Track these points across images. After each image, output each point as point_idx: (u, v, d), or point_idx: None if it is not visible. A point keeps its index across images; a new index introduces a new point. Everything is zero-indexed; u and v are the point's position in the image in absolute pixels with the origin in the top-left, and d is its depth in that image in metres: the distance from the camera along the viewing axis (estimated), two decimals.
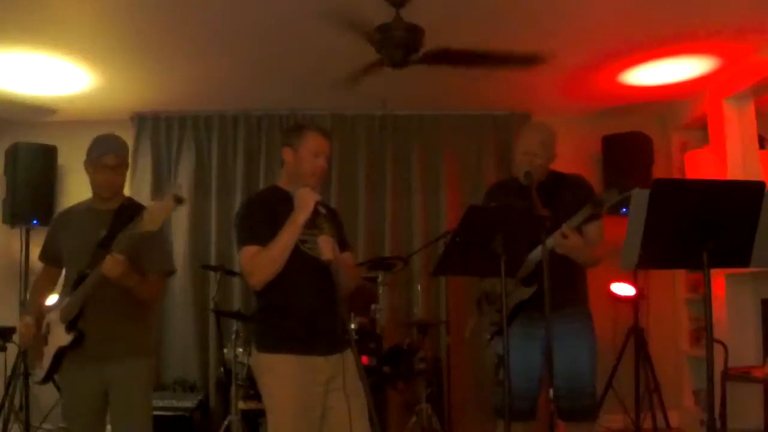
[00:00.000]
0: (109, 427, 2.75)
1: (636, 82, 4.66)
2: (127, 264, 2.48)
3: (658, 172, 5.06)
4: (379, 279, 4.35)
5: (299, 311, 2.47)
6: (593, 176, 4.89)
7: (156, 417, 2.86)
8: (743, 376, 4.00)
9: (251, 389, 3.94)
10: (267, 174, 5.10)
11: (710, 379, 2.24)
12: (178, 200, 2.38)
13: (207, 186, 5.14)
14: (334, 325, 2.48)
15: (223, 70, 4.39)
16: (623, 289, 4.85)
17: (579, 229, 2.82)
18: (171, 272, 2.90)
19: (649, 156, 4.99)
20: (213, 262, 4.89)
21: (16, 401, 4.47)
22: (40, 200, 4.76)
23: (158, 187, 5.08)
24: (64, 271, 2.80)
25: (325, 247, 2.40)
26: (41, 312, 2.74)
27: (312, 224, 2.45)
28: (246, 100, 5.02)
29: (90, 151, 2.74)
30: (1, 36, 3.69)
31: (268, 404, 2.49)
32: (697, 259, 2.16)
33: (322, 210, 2.49)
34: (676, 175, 5.27)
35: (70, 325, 2.60)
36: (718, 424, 3.89)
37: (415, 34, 3.32)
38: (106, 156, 2.69)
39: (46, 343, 2.69)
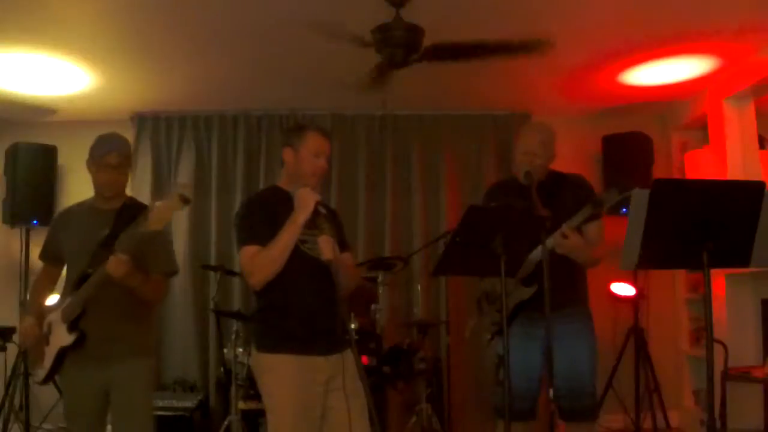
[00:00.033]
0: (109, 427, 2.73)
1: (636, 82, 4.66)
2: (131, 264, 2.46)
3: (658, 172, 5.06)
4: (379, 279, 4.35)
5: (299, 311, 2.47)
6: (593, 176, 4.89)
7: (156, 417, 2.87)
8: (743, 376, 4.00)
9: (251, 389, 3.93)
10: (267, 174, 5.10)
11: (710, 379, 2.24)
12: (185, 200, 2.38)
13: (207, 186, 5.14)
14: (334, 325, 2.48)
15: (223, 70, 4.39)
16: (623, 289, 4.85)
17: (579, 229, 2.82)
18: (174, 272, 2.87)
19: (649, 156, 5.00)
20: (213, 262, 4.89)
21: (16, 401, 4.47)
22: (40, 200, 4.76)
23: (158, 187, 5.09)
24: (65, 271, 2.78)
25: (326, 247, 2.40)
26: (42, 312, 2.72)
27: (312, 224, 2.45)
28: (246, 100, 5.02)
29: (93, 150, 2.71)
30: (1, 36, 3.69)
31: (268, 404, 2.49)
32: (697, 259, 2.16)
33: (323, 210, 2.49)
34: (676, 175, 5.27)
35: (72, 325, 2.58)
36: (718, 424, 3.89)
37: (415, 34, 3.32)
38: (110, 155, 2.67)
39: (47, 343, 2.67)
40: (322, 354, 2.46)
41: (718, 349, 3.93)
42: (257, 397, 3.38)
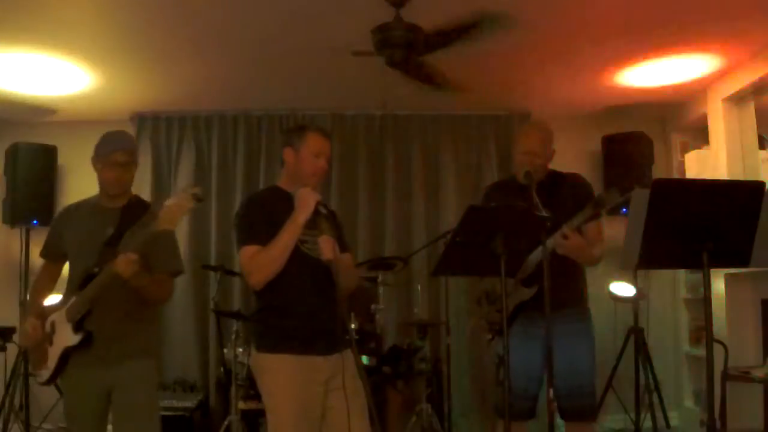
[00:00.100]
0: (110, 427, 2.71)
1: (636, 82, 4.66)
2: (139, 263, 2.44)
3: (658, 172, 5.07)
4: (379, 279, 4.35)
5: (299, 311, 2.47)
6: (593, 176, 4.89)
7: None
8: (743, 376, 4.00)
9: (251, 389, 3.93)
10: (267, 174, 5.10)
11: (710, 379, 2.24)
12: (198, 199, 2.37)
13: (207, 186, 5.13)
14: (334, 325, 2.48)
15: (223, 70, 4.39)
16: (623, 289, 4.85)
17: (578, 229, 2.82)
18: (179, 272, 2.83)
19: (649, 156, 4.99)
20: (213, 262, 4.89)
21: (16, 401, 4.47)
22: (40, 200, 4.76)
23: (158, 186, 5.09)
24: (68, 269, 2.75)
25: (326, 247, 2.40)
26: (43, 312, 2.69)
27: (312, 224, 2.45)
28: (246, 100, 5.02)
29: (99, 148, 2.69)
30: (1, 36, 3.69)
31: (268, 404, 2.49)
32: (697, 259, 2.16)
33: (323, 210, 2.49)
34: (676, 175, 5.27)
35: (78, 325, 2.55)
36: (718, 424, 3.89)
37: (415, 34, 3.32)
38: (117, 153, 2.65)
39: (50, 343, 2.63)
40: (322, 354, 2.46)
41: (718, 349, 3.93)
42: (257, 397, 3.39)
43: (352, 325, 3.96)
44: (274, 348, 2.47)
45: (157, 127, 5.19)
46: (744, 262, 2.21)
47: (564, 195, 3.00)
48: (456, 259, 2.49)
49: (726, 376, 3.96)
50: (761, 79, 4.22)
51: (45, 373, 2.65)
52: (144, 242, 2.43)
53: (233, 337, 4.15)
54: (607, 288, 4.84)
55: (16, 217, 4.73)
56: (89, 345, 2.56)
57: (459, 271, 3.16)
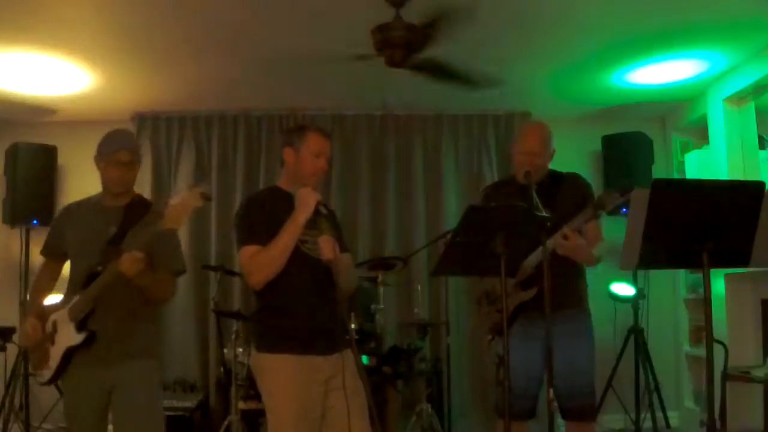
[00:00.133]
0: (110, 427, 2.70)
1: (636, 82, 4.66)
2: (144, 261, 2.43)
3: (658, 172, 5.07)
4: (379, 279, 4.34)
5: (299, 311, 2.47)
6: (593, 176, 4.90)
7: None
8: (743, 376, 4.00)
9: (251, 389, 3.93)
10: (267, 174, 5.10)
11: (710, 379, 2.24)
12: (206, 198, 2.37)
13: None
14: (334, 325, 2.48)
15: (223, 70, 4.39)
16: (623, 289, 4.85)
17: (578, 229, 2.82)
18: (182, 271, 2.82)
19: (649, 156, 5.00)
20: (213, 262, 4.89)
21: (16, 401, 4.47)
22: (40, 200, 4.75)
23: (158, 187, 5.09)
24: (68, 268, 2.73)
25: (326, 247, 2.40)
26: (44, 311, 2.68)
27: (312, 224, 2.45)
28: (246, 100, 5.02)
29: (102, 147, 2.68)
30: (1, 36, 3.69)
31: (268, 404, 2.49)
32: (697, 259, 2.16)
33: (323, 210, 2.49)
34: (676, 175, 5.27)
35: (81, 325, 2.54)
36: (718, 424, 3.89)
37: (415, 34, 3.32)
38: (120, 152, 2.64)
39: (52, 342, 2.61)
40: (322, 354, 2.46)
41: (718, 349, 3.93)
42: (257, 397, 3.39)
43: (352, 325, 3.96)
44: (274, 348, 2.47)
45: (157, 127, 5.19)
46: (744, 262, 2.21)
47: (564, 195, 2.99)
48: (456, 259, 2.49)
49: (726, 376, 3.96)
50: (761, 79, 4.22)
51: (47, 373, 2.62)
52: (149, 241, 2.42)
53: (233, 337, 4.15)
54: (607, 288, 4.84)
55: (16, 217, 4.72)
56: (92, 344, 2.55)
57: (459, 271, 3.16)
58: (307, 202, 2.43)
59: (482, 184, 4.89)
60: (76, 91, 4.60)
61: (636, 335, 4.61)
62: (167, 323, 4.94)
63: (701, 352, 4.82)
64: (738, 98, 4.57)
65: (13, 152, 4.77)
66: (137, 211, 2.67)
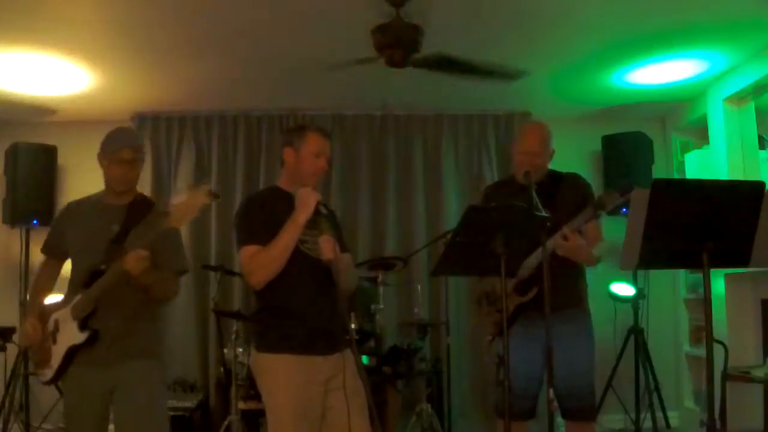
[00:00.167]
0: (111, 427, 2.68)
1: (636, 82, 4.66)
2: (149, 260, 2.42)
3: (658, 172, 5.07)
4: (379, 279, 4.34)
5: (299, 311, 2.47)
6: (593, 176, 4.90)
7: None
8: (743, 376, 4.00)
9: (251, 389, 3.93)
10: (267, 174, 5.10)
11: (710, 379, 2.24)
12: (214, 196, 2.36)
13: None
14: (334, 325, 2.48)
15: (224, 70, 4.39)
16: (623, 289, 4.85)
17: (578, 229, 2.82)
18: (185, 271, 2.81)
19: (649, 156, 5.00)
20: (213, 262, 4.89)
21: (16, 401, 4.47)
22: (40, 200, 4.75)
23: (158, 187, 5.09)
24: (71, 267, 2.71)
25: (326, 247, 2.40)
26: (44, 311, 2.66)
27: (312, 224, 2.45)
28: (246, 100, 5.02)
29: (105, 145, 2.66)
30: (1, 36, 3.69)
31: (267, 404, 2.49)
32: (697, 259, 2.16)
33: (323, 210, 2.49)
34: (676, 175, 5.27)
35: (83, 323, 2.52)
36: (718, 424, 3.89)
37: (415, 34, 3.32)
38: (124, 150, 2.62)
39: (54, 341, 2.59)
40: (322, 354, 2.46)
41: (718, 349, 3.93)
42: (257, 397, 3.39)
43: (352, 325, 3.96)
44: (274, 348, 2.47)
45: (157, 127, 5.19)
46: (744, 262, 2.21)
47: (563, 195, 2.99)
48: (456, 259, 2.49)
49: (726, 376, 3.96)
50: (761, 79, 4.22)
51: (48, 372, 2.60)
52: (154, 239, 2.41)
53: (233, 337, 4.15)
54: (607, 288, 4.84)
55: (16, 217, 4.72)
56: (95, 343, 2.53)
57: (459, 271, 3.16)
58: (307, 202, 2.43)
59: (482, 184, 4.89)
60: (76, 91, 4.60)
61: (636, 335, 4.61)
62: (167, 323, 4.93)
63: (701, 352, 4.82)
64: (738, 98, 4.57)
65: (13, 152, 4.77)
66: (140, 209, 2.66)
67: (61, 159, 4.94)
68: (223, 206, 5.08)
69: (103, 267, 2.51)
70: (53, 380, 2.62)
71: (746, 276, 4.42)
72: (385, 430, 4.15)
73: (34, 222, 4.71)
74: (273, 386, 2.46)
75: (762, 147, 4.74)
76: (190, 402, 4.45)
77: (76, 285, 2.61)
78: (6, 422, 4.40)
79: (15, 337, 4.33)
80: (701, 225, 2.12)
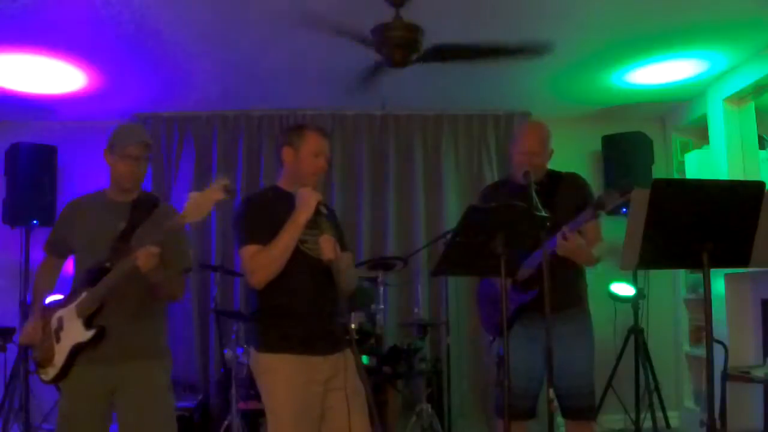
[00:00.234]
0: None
1: (636, 82, 4.66)
2: (159, 257, 2.40)
3: (658, 172, 5.07)
4: (379, 279, 4.35)
5: (299, 311, 2.47)
6: (593, 176, 4.91)
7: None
8: (743, 376, 4.00)
9: (251, 389, 3.93)
10: (267, 174, 5.10)
11: (710, 379, 2.24)
12: (228, 191, 2.35)
13: (203, 187, 5.11)
14: (334, 325, 2.48)
15: (224, 71, 4.39)
16: (623, 289, 4.85)
17: (578, 230, 2.82)
18: (190, 269, 2.79)
19: (649, 156, 5.00)
20: (213, 262, 4.89)
21: (16, 401, 4.46)
22: (40, 200, 4.75)
23: (158, 187, 5.08)
24: (75, 264, 2.67)
25: (327, 246, 2.40)
26: (45, 310, 2.63)
27: (313, 224, 2.45)
28: (246, 100, 5.02)
29: (114, 141, 2.64)
30: (1, 36, 3.69)
31: (267, 404, 2.49)
32: (697, 259, 2.16)
33: (323, 210, 2.49)
34: (676, 175, 5.28)
35: (89, 321, 2.49)
36: (718, 424, 3.89)
37: (415, 34, 3.32)
38: (132, 146, 2.60)
39: (57, 340, 2.55)
40: (322, 354, 2.46)
41: (718, 349, 3.94)
42: (257, 397, 3.38)
43: (353, 325, 3.96)
44: (274, 348, 2.46)
45: (157, 127, 5.19)
46: (744, 262, 2.21)
47: (563, 195, 2.99)
48: (456, 259, 2.49)
49: (726, 376, 3.96)
50: (761, 79, 4.22)
51: (51, 371, 2.56)
52: (166, 235, 2.40)
53: (233, 337, 4.15)
54: (607, 288, 4.84)
55: (16, 217, 4.72)
56: (100, 342, 2.50)
57: (459, 271, 3.16)
58: (307, 202, 2.42)
59: (482, 184, 4.89)
60: (76, 91, 4.60)
61: (636, 335, 4.61)
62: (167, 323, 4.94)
63: (701, 352, 4.83)
64: (738, 98, 4.58)
65: (13, 152, 4.76)
66: (145, 206, 2.64)
67: (61, 159, 4.93)
68: (223, 206, 5.06)
69: (108, 264, 2.48)
70: (57, 379, 2.57)
71: (746, 276, 4.42)
72: (385, 430, 4.16)
73: (34, 222, 4.70)
74: (273, 386, 2.46)
75: (762, 147, 4.74)
76: (190, 402, 4.45)
77: (80, 282, 2.57)
78: (6, 422, 4.39)
79: (15, 337, 4.33)
80: (701, 225, 2.12)
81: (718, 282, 4.47)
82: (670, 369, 5.16)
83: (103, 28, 3.65)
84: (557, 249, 2.73)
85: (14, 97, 4.64)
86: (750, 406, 4.22)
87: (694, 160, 5.08)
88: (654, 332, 4.88)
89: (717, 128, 4.72)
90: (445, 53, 3.50)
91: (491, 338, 3.06)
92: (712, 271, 2.20)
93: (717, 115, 4.71)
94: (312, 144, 2.56)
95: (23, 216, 4.71)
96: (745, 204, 2.14)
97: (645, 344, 4.61)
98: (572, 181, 3.11)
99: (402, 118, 5.30)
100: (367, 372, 3.05)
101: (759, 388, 4.06)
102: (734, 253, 2.20)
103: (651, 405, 4.43)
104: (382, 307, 4.29)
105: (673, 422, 4.81)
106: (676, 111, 5.29)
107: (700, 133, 5.07)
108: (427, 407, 4.20)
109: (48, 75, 4.28)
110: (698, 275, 4.52)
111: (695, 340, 5.10)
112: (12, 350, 4.41)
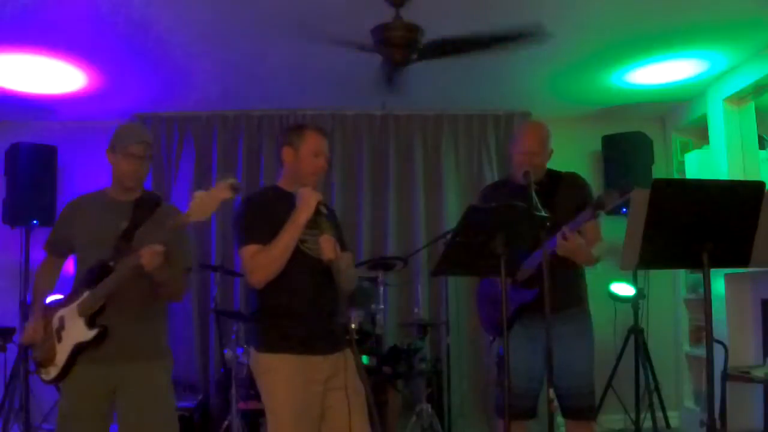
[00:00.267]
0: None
1: (636, 82, 4.66)
2: (163, 255, 2.40)
3: (658, 172, 5.07)
4: (379, 279, 4.34)
5: (299, 311, 2.47)
6: (593, 176, 4.91)
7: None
8: (743, 376, 4.00)
9: (251, 389, 3.93)
10: (267, 174, 5.10)
11: (710, 379, 2.24)
12: (235, 189, 2.35)
13: (207, 186, 5.10)
14: (334, 325, 2.48)
15: (223, 71, 4.39)
16: (623, 289, 4.85)
17: (577, 230, 2.82)
18: (191, 269, 2.79)
19: (649, 156, 5.00)
20: (213, 262, 4.89)
21: (16, 401, 4.46)
22: (40, 200, 4.75)
23: (158, 187, 5.08)
24: (77, 263, 2.66)
25: (327, 246, 2.40)
26: (46, 310, 2.62)
27: (313, 224, 2.45)
28: (246, 100, 5.02)
29: (116, 140, 2.64)
30: (1, 36, 3.69)
31: (267, 404, 2.48)
32: (697, 259, 2.16)
33: (324, 210, 2.49)
34: (676, 175, 5.28)
35: (91, 320, 2.48)
36: (718, 424, 3.89)
37: (415, 34, 3.31)
38: (135, 145, 2.60)
39: (59, 339, 2.54)
40: (322, 354, 2.46)
41: (718, 349, 3.94)
42: (257, 397, 3.37)
43: (353, 325, 3.95)
44: (274, 348, 2.46)
45: (157, 127, 5.19)
46: (744, 262, 2.21)
47: (562, 195, 2.99)
48: (456, 259, 2.49)
49: (726, 376, 3.96)
50: (761, 79, 4.22)
51: (53, 371, 2.55)
52: (171, 234, 2.40)
53: (233, 337, 4.15)
54: (607, 288, 4.84)
55: (16, 217, 4.72)
56: (103, 341, 2.49)
57: (459, 271, 3.16)
58: (307, 201, 2.43)
59: (482, 184, 4.89)
60: (76, 91, 4.60)
61: (636, 335, 4.61)
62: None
63: (701, 352, 4.83)
64: (738, 98, 4.58)
65: (13, 152, 4.76)
66: (148, 205, 2.64)
67: (61, 159, 4.93)
68: (223, 206, 5.04)
69: (111, 263, 2.48)
70: (58, 378, 2.56)
71: (746, 276, 4.42)
72: (385, 430, 4.15)
73: (34, 222, 4.70)
74: (273, 386, 2.46)
75: (762, 147, 4.74)
76: (190, 402, 4.45)
77: (82, 282, 2.56)
78: (6, 422, 4.39)
79: (15, 337, 4.33)
80: (701, 225, 2.12)
81: (718, 282, 4.47)
82: (670, 369, 5.16)
83: (103, 28, 3.65)
84: (557, 249, 2.73)
85: (14, 97, 4.64)
86: (750, 406, 4.22)
87: (694, 160, 5.08)
88: (654, 332, 4.88)
89: (717, 128, 4.72)
90: (444, 47, 3.49)
91: (491, 338, 3.06)
92: (712, 271, 2.21)
93: (717, 115, 4.71)
94: (312, 144, 2.56)
95: (23, 216, 4.71)
96: (745, 204, 2.14)
97: (645, 344, 4.61)
98: (572, 181, 3.11)
99: (402, 118, 5.30)
100: (367, 372, 3.05)
101: (759, 388, 4.06)
102: (734, 253, 2.20)
103: (651, 405, 4.43)
104: (382, 307, 4.29)
105: (673, 422, 4.81)
106: (676, 111, 5.29)
107: (700, 133, 5.07)
108: (427, 407, 4.20)
109: (48, 75, 4.28)
110: (698, 275, 4.53)
111: (695, 340, 5.10)
112: (12, 350, 4.41)
